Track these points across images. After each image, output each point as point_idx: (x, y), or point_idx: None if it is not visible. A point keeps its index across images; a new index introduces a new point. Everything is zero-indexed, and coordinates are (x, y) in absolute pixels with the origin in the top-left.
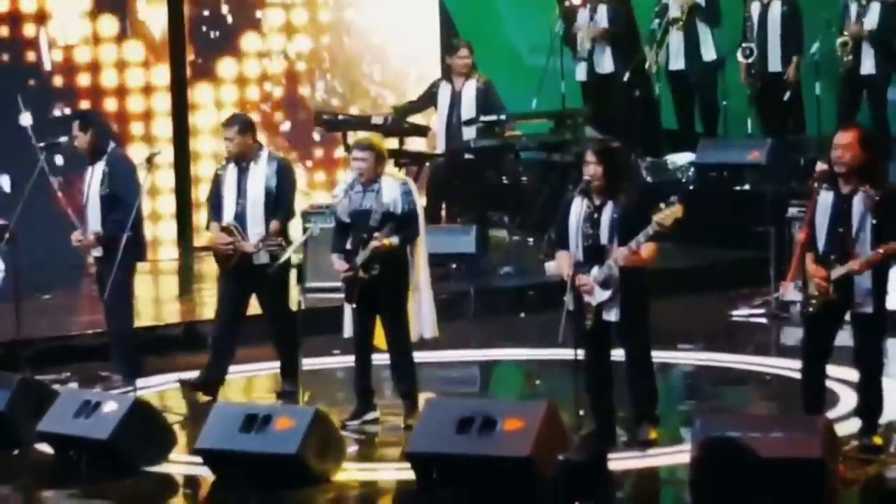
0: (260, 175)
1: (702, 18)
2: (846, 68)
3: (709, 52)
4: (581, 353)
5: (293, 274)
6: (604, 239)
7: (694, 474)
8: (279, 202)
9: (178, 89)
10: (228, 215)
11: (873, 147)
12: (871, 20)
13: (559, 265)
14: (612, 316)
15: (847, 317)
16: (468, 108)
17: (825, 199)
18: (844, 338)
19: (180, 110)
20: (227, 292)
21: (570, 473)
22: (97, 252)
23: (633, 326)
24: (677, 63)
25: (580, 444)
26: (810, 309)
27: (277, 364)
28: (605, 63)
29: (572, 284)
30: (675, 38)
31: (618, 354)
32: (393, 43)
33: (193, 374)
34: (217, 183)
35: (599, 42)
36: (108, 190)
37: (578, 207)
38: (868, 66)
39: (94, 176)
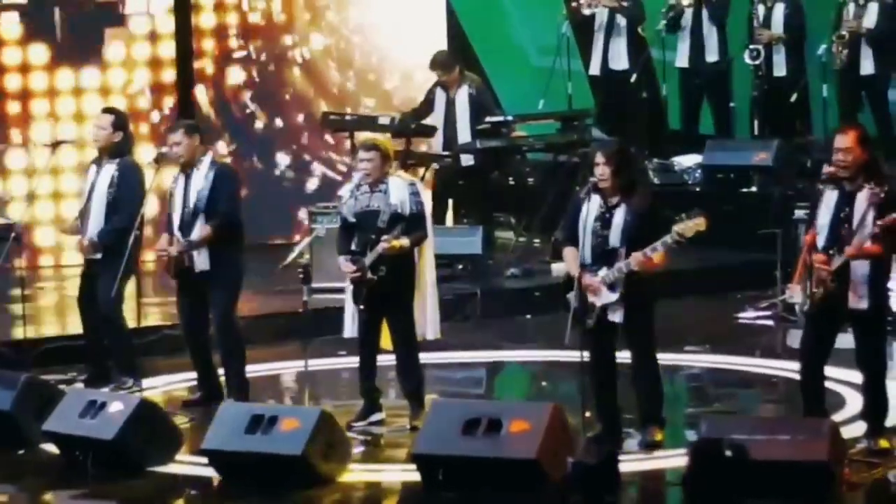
0: (200, 181)
1: (709, 13)
2: (843, 66)
3: (711, 53)
4: (585, 354)
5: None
6: (614, 241)
7: (686, 475)
8: (213, 208)
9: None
10: (176, 225)
11: (871, 144)
12: (870, 20)
13: (566, 262)
14: (616, 317)
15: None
16: (462, 114)
17: (829, 197)
18: (849, 340)
19: None
20: (183, 304)
21: (582, 476)
22: (96, 255)
23: (637, 328)
24: (682, 61)
25: (590, 446)
26: (806, 308)
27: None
28: (621, 59)
29: (578, 284)
30: (682, 35)
31: (624, 356)
32: (400, 44)
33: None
34: (170, 194)
35: (611, 12)
36: (115, 195)
37: (591, 206)
38: (867, 66)
39: (101, 177)
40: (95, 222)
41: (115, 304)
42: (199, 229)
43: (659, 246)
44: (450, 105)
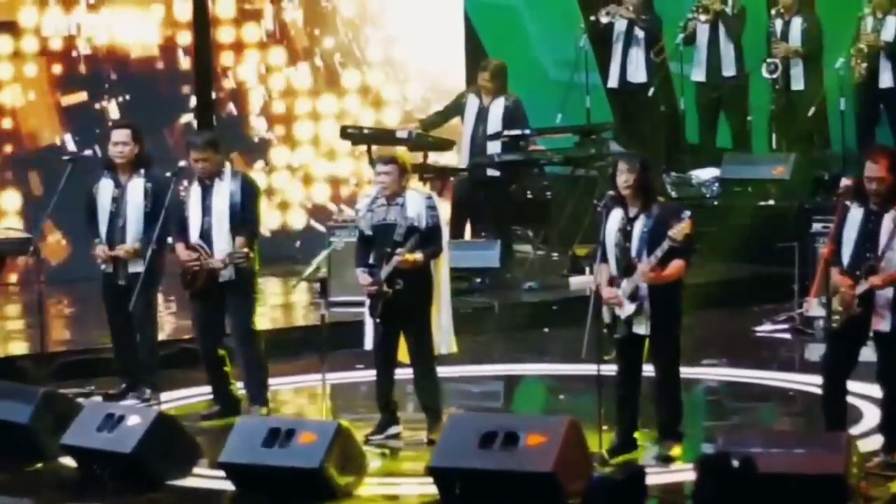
0: (225, 191)
1: (725, 29)
2: (861, 80)
3: (728, 68)
4: (606, 368)
5: (258, 290)
6: (633, 251)
7: (694, 489)
8: (245, 218)
9: None
10: (194, 234)
11: None
12: (888, 33)
13: (597, 277)
14: (641, 329)
15: (871, 333)
16: (494, 125)
17: (854, 214)
18: (869, 353)
19: None
20: (200, 310)
21: (609, 491)
22: (137, 267)
23: (660, 341)
24: (698, 75)
25: (607, 459)
26: (833, 325)
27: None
28: (639, 72)
29: (598, 298)
30: (698, 50)
31: (647, 369)
32: (417, 59)
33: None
34: (181, 204)
35: (629, 23)
36: (151, 207)
37: (612, 219)
38: (886, 79)
39: (132, 192)
40: (135, 234)
41: (150, 314)
42: (237, 242)
43: (658, 253)
44: (482, 112)
